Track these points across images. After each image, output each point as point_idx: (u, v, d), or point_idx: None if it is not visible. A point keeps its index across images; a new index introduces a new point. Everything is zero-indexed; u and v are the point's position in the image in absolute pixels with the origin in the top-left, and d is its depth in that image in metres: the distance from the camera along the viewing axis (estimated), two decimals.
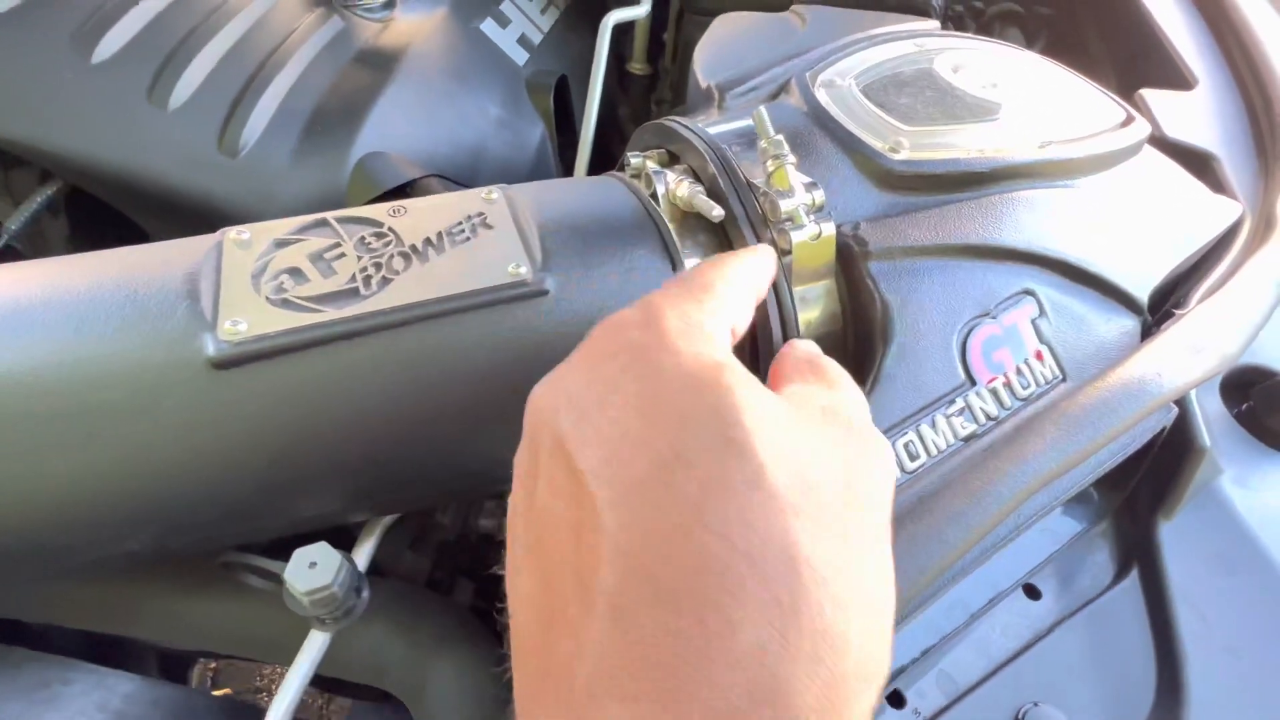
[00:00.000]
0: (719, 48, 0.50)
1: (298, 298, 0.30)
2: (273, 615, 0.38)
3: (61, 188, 0.46)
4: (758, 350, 0.35)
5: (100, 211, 0.49)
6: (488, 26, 0.68)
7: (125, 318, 0.28)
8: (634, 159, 0.41)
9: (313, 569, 0.32)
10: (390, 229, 0.33)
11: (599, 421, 0.18)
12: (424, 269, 0.32)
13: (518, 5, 0.72)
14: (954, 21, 0.78)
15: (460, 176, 0.59)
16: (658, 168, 0.38)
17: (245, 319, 0.29)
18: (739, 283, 0.24)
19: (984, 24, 0.79)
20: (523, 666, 0.18)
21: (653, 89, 0.94)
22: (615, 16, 0.70)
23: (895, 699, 0.28)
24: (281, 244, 0.32)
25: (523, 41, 0.71)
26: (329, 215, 0.34)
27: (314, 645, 0.35)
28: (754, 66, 0.46)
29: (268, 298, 0.30)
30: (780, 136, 0.33)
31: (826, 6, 0.54)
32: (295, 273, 0.31)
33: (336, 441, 0.30)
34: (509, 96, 0.66)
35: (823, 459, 0.18)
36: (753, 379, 0.19)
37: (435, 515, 0.49)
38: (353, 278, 0.31)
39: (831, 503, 0.17)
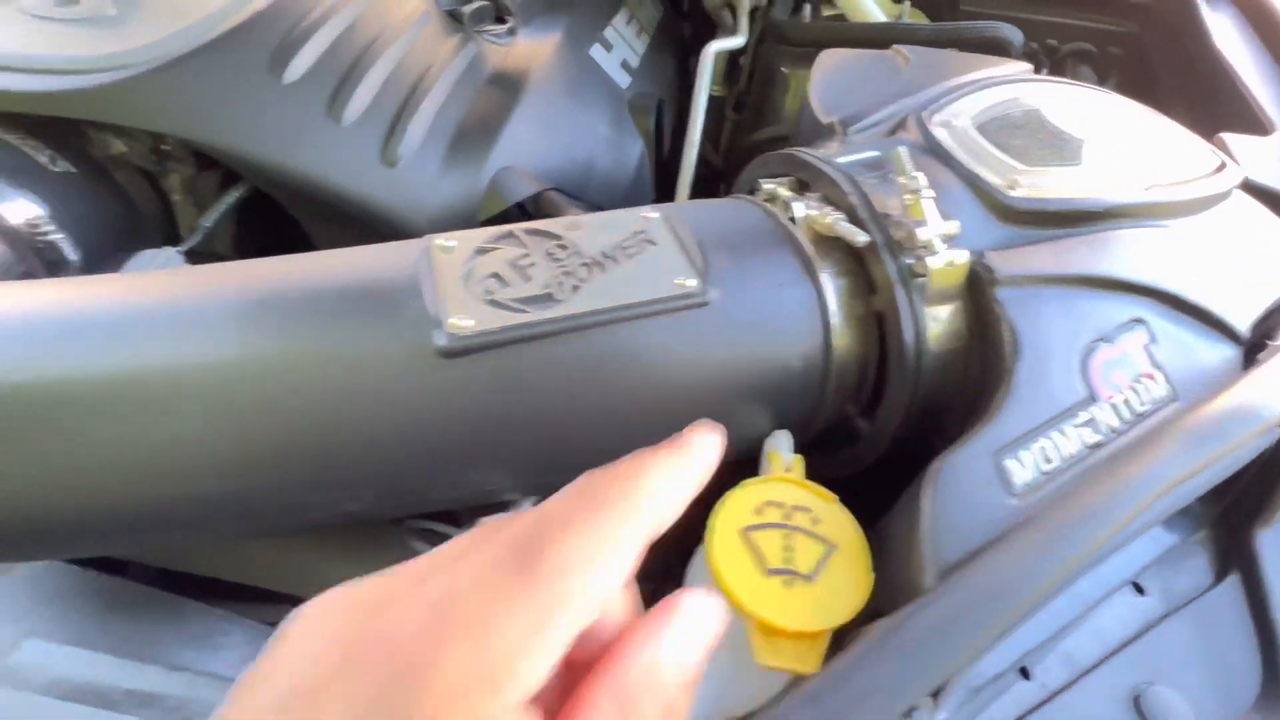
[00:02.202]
0: (832, 85, 0.54)
1: (505, 299, 0.35)
2: None
3: (246, 190, 0.51)
4: (886, 362, 0.39)
5: (262, 215, 0.55)
6: (595, 51, 0.73)
7: (370, 310, 0.33)
8: (766, 185, 0.45)
9: None
10: (570, 242, 0.38)
11: None
12: (605, 278, 0.37)
13: (619, 31, 0.77)
14: (1029, 58, 0.81)
15: (572, 190, 0.64)
16: (793, 194, 0.43)
17: (468, 316, 0.33)
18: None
19: (1057, 61, 0.82)
20: None
21: (731, 108, 0.99)
22: (715, 46, 0.75)
23: (1024, 673, 0.32)
24: (482, 251, 0.37)
25: (624, 65, 0.76)
26: (514, 228, 0.39)
27: None
28: (869, 104, 0.50)
29: (479, 298, 0.35)
30: (920, 174, 0.38)
31: (924, 47, 0.59)
32: (497, 278, 0.36)
33: (529, 425, 0.35)
34: (614, 116, 0.71)
35: None
36: None
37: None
38: (547, 284, 0.36)
39: None
